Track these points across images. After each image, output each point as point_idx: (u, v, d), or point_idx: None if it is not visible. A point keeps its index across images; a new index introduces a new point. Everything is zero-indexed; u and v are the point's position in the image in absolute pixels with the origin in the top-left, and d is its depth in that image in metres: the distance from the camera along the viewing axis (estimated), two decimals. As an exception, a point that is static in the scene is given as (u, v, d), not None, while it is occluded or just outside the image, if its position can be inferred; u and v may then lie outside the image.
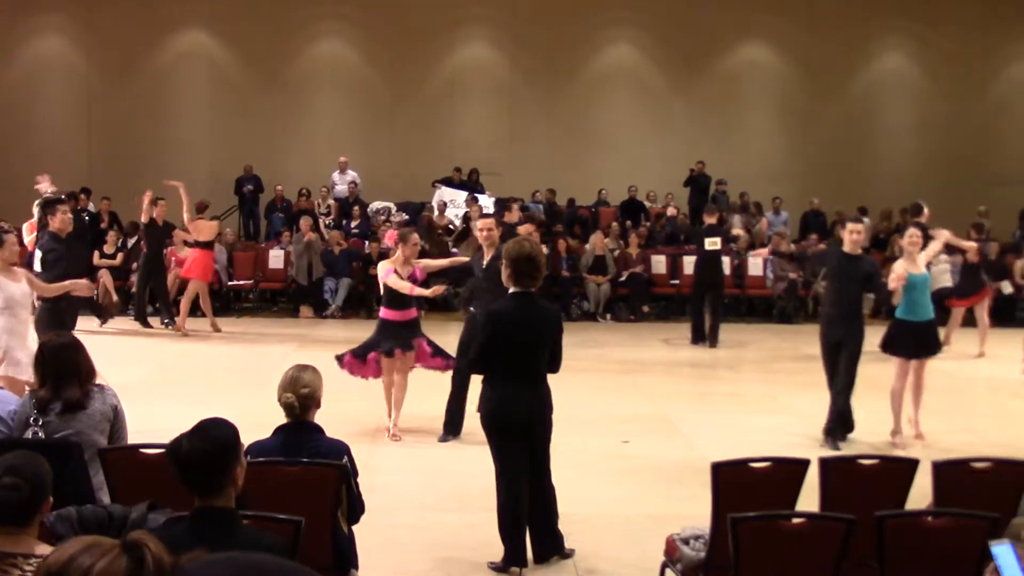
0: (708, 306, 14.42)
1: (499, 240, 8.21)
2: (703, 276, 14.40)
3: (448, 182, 19.48)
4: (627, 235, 17.98)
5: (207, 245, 14.98)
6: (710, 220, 14.56)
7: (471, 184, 19.75)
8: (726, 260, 16.19)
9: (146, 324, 15.03)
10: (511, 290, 5.72)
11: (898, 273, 8.53)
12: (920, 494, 4.86)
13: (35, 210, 13.42)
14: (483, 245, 8.51)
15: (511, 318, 5.62)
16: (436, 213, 18.51)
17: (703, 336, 14.34)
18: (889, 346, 9.02)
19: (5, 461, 3.21)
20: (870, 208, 18.86)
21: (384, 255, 16.81)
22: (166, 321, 14.96)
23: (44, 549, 3.20)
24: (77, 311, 9.25)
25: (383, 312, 8.60)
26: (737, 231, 16.82)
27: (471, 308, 8.79)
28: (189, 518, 3.26)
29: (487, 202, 18.18)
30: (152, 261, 15.13)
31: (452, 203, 18.83)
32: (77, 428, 4.75)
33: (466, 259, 9.61)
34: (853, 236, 8.64)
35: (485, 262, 8.38)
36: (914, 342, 8.90)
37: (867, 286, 8.88)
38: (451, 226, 18.17)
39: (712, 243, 14.21)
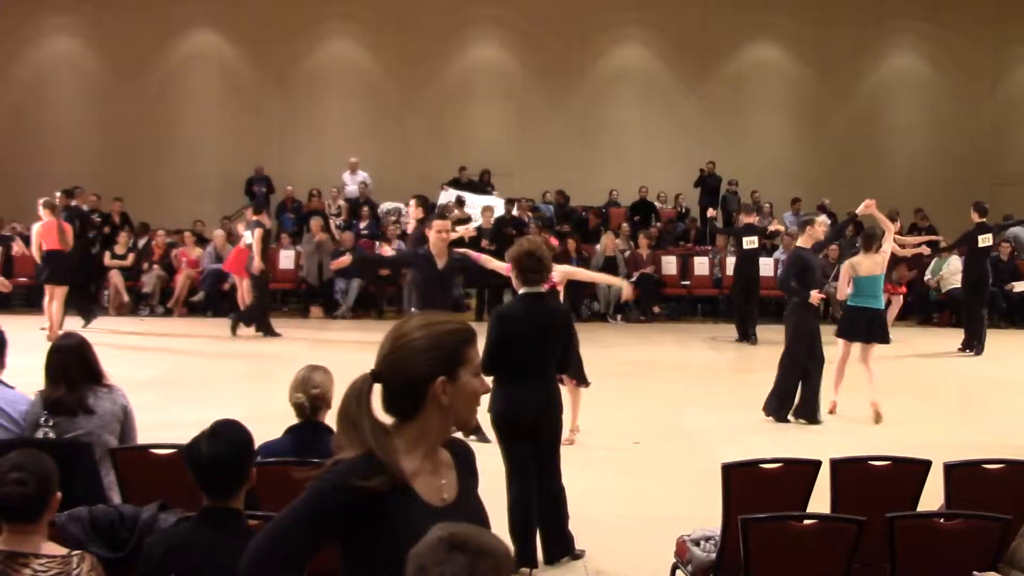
0: (747, 303, 14.79)
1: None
2: (742, 274, 14.58)
3: (456, 183, 19.47)
4: (637, 236, 17.97)
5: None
6: (748, 220, 14.82)
7: (479, 184, 19.72)
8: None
9: (272, 332, 14.26)
10: (520, 291, 5.72)
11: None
12: (933, 496, 4.83)
13: (41, 211, 13.48)
14: (434, 246, 8.14)
15: (520, 318, 5.60)
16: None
17: (747, 334, 14.53)
18: (842, 331, 9.79)
19: (9, 460, 3.22)
20: (880, 208, 18.84)
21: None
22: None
23: (53, 548, 3.21)
24: None
25: None
26: (776, 227, 16.83)
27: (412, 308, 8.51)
28: (197, 516, 3.27)
29: (497, 202, 18.15)
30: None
31: (459, 204, 18.82)
32: (87, 428, 4.76)
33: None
34: (821, 229, 9.68)
35: (440, 265, 8.10)
36: (866, 328, 9.59)
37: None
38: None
39: (750, 242, 14.42)
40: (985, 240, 13.86)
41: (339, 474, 2.33)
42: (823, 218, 10.15)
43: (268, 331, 14.27)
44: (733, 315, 15.36)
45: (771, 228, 16.42)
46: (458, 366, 2.36)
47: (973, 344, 13.85)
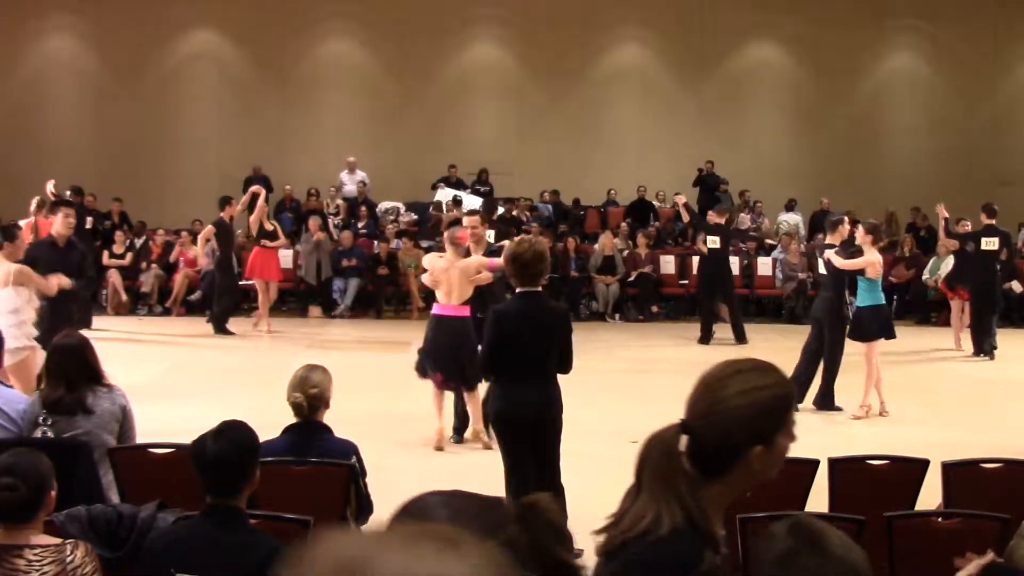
0: (725, 304, 14.63)
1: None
2: (705, 274, 14.56)
3: (447, 180, 19.49)
4: (635, 235, 17.97)
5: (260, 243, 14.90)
6: (716, 219, 14.55)
7: (466, 184, 19.71)
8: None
9: (225, 332, 14.27)
10: (518, 290, 5.72)
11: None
12: (931, 495, 4.83)
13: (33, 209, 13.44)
14: (470, 244, 8.28)
15: (518, 317, 5.60)
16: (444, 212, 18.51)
17: (711, 336, 14.41)
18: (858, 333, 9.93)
19: (2, 461, 3.23)
20: (879, 208, 18.87)
21: (393, 255, 16.92)
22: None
23: (46, 539, 3.23)
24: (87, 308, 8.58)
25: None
26: (736, 226, 16.77)
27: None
28: (199, 514, 3.29)
29: (473, 202, 18.12)
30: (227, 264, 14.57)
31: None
32: (86, 428, 4.77)
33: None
34: (847, 229, 10.05)
35: None
36: (878, 325, 9.77)
37: None
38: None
39: (712, 241, 14.23)
40: (990, 244, 13.59)
41: (670, 567, 2.08)
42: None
43: (221, 328, 14.20)
44: (700, 315, 15.15)
45: (735, 227, 16.32)
46: (777, 433, 2.26)
47: (987, 348, 13.67)
